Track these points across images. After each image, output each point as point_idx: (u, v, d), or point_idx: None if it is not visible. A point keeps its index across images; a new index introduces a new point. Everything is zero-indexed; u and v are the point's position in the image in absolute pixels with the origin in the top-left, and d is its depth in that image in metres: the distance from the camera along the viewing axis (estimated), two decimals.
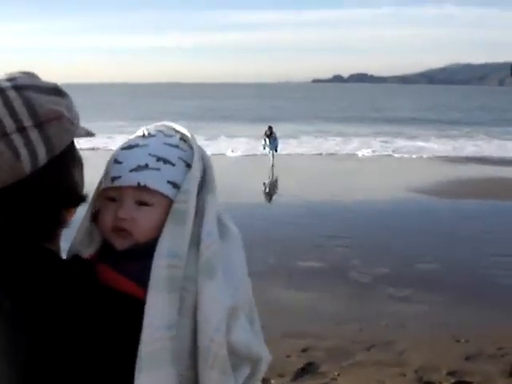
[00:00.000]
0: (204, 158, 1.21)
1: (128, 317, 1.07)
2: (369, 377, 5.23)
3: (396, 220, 11.69)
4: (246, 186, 15.62)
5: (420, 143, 27.81)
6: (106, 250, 1.18)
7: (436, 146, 27.22)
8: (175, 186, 1.15)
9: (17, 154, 1.02)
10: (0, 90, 1.04)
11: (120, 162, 1.16)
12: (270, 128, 20.28)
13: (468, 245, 9.85)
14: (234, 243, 1.20)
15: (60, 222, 1.12)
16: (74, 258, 1.17)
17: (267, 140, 20.12)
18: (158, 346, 1.06)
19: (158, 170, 1.15)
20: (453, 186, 15.47)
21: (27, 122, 1.04)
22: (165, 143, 1.19)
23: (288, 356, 5.58)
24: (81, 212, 1.21)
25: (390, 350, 5.71)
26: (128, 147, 1.19)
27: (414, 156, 23.19)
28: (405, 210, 12.75)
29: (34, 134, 1.04)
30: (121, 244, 1.15)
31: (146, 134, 1.21)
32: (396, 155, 23.37)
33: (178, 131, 1.24)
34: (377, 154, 23.68)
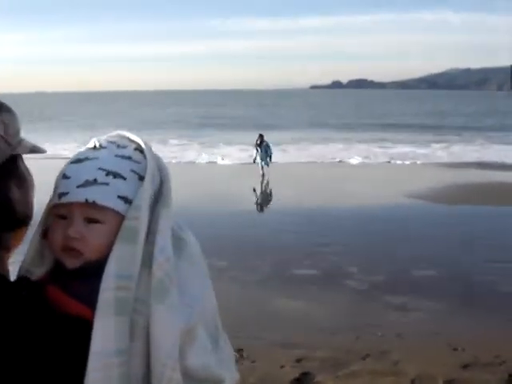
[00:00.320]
0: (161, 169, 1.15)
1: (75, 342, 1.01)
2: None
3: (392, 226, 11.60)
4: (239, 193, 15.57)
5: (418, 149, 27.73)
6: (58, 269, 1.12)
7: (434, 151, 27.18)
8: (127, 201, 1.09)
9: None
10: None
11: (68, 177, 1.10)
12: (261, 136, 19.39)
13: (465, 251, 9.77)
14: (190, 259, 1.14)
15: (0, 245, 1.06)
16: (21, 279, 1.11)
17: (258, 149, 19.14)
18: (106, 372, 1.00)
19: (108, 184, 1.08)
20: (450, 192, 15.40)
21: None
22: (116, 155, 1.12)
23: (282, 366, 5.50)
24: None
25: (385, 359, 5.63)
26: (77, 161, 1.12)
27: (411, 162, 23.13)
28: (401, 217, 12.66)
29: None
30: (71, 263, 1.09)
31: (97, 145, 1.15)
32: (393, 161, 23.31)
33: (132, 141, 1.17)
34: (374, 160, 23.62)
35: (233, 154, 24.74)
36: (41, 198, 1.24)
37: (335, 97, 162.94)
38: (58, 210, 1.11)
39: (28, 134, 1.18)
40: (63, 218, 1.10)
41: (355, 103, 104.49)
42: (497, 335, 6.18)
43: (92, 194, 1.07)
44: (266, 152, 18.89)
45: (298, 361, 5.62)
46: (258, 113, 68.34)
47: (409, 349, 5.85)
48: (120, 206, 1.08)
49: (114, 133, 1.19)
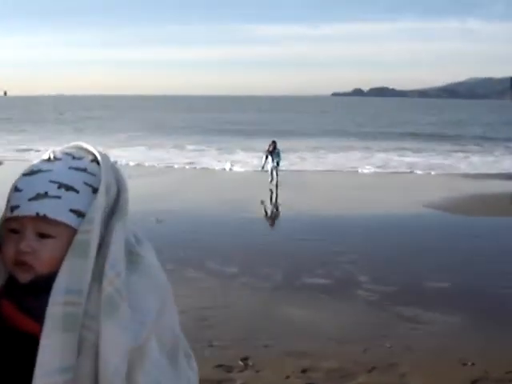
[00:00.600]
0: (119, 181, 1.12)
1: (21, 358, 0.98)
2: None
3: (407, 236, 11.48)
4: (252, 200, 15.51)
5: (437, 159, 27.48)
6: (12, 283, 1.09)
7: (453, 161, 26.93)
8: (80, 214, 1.05)
9: None
10: None
11: (20, 190, 1.07)
12: (274, 143, 18.38)
13: (480, 264, 9.60)
14: (145, 273, 1.10)
15: None
16: None
17: (269, 157, 18.09)
18: None
19: (59, 198, 1.05)
20: (468, 203, 15.20)
21: None
22: (70, 167, 1.09)
23: (287, 377, 5.43)
24: None
25: (392, 372, 5.52)
26: (29, 173, 1.09)
27: (429, 172, 22.90)
28: (417, 227, 12.51)
29: None
30: (24, 278, 1.06)
31: (52, 157, 1.11)
32: (411, 171, 23.09)
33: (90, 152, 1.13)
34: (392, 169, 23.40)
35: (249, 160, 24.66)
36: None
37: (356, 104, 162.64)
38: (10, 224, 1.08)
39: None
40: (15, 232, 1.07)
41: (375, 111, 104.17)
42: (509, 351, 6.05)
43: (43, 208, 1.04)
44: (276, 158, 18.09)
45: (304, 371, 5.54)
46: (277, 119, 68.35)
47: (417, 362, 5.74)
48: (72, 219, 1.05)
49: (72, 144, 1.16)
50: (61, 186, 1.06)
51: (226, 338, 6.33)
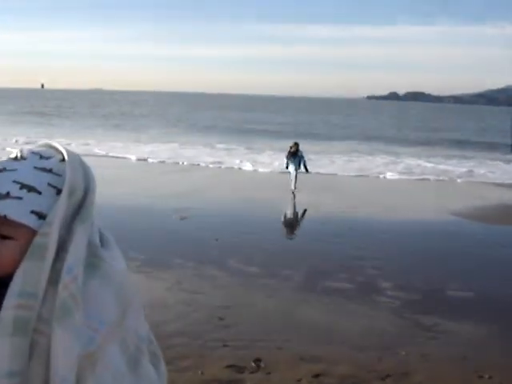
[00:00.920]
0: (88, 182, 1.09)
1: None
2: None
3: (432, 243, 11.28)
4: (277, 201, 15.46)
5: (468, 166, 27.02)
6: None
7: (485, 169, 26.47)
8: (41, 216, 1.03)
9: None
10: None
11: None
12: (296, 145, 17.23)
13: (506, 275, 9.43)
14: (106, 278, 1.07)
15: None
16: None
17: (293, 160, 17.00)
18: None
19: (21, 198, 1.02)
20: (497, 212, 14.94)
21: None
22: (35, 167, 1.06)
23: (299, 380, 5.38)
24: None
25: (405, 381, 5.43)
26: None
27: (459, 179, 22.55)
28: (442, 234, 12.28)
29: None
30: None
31: (19, 156, 1.08)
32: (441, 178, 22.72)
33: (60, 152, 1.11)
34: (421, 175, 23.02)
35: (276, 161, 24.49)
36: None
37: (390, 108, 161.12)
38: None
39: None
40: None
41: (410, 116, 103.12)
42: None
43: (4, 209, 1.02)
44: (299, 162, 17.03)
45: (316, 376, 5.49)
46: (310, 121, 68.11)
47: (432, 372, 5.65)
48: (33, 221, 1.03)
49: (43, 142, 1.14)
50: (23, 186, 1.03)
51: (240, 338, 6.31)
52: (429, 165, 26.73)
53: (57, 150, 1.11)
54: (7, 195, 1.02)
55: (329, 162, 26.01)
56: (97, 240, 1.10)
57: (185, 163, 23.39)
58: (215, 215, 12.92)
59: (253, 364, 5.65)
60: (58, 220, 1.03)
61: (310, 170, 17.60)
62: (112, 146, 28.35)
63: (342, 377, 5.49)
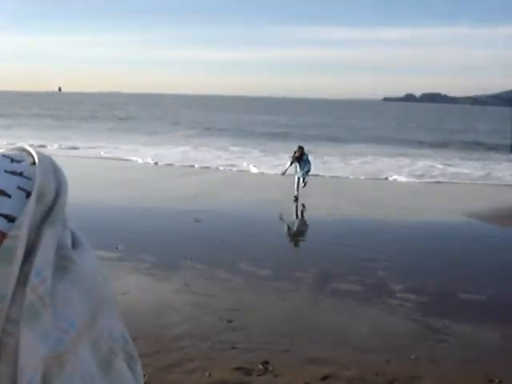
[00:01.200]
0: (60, 186, 1.09)
1: None
2: None
3: (445, 246, 11.20)
4: (288, 204, 15.42)
5: (485, 168, 26.78)
6: None
7: (501, 171, 26.21)
8: (11, 219, 1.03)
9: None
10: None
11: None
12: (301, 149, 16.21)
13: None
14: (76, 280, 1.07)
15: None
16: None
17: (297, 165, 16.00)
18: None
19: None
20: (509, 214, 14.80)
21: None
22: (6, 170, 1.06)
23: (306, 383, 5.36)
24: None
25: None
26: None
27: (474, 181, 22.34)
28: (455, 236, 12.19)
29: None
30: None
31: None
32: (455, 180, 22.51)
33: (31, 155, 1.11)
34: (432, 178, 22.80)
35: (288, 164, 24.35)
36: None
37: (407, 110, 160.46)
38: None
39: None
40: None
41: (426, 117, 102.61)
42: None
43: None
44: (305, 167, 16.08)
45: (324, 379, 5.47)
46: (326, 123, 67.97)
47: (441, 375, 5.60)
48: (2, 224, 1.02)
49: (16, 145, 1.14)
50: None
51: (249, 340, 6.31)
52: (444, 167, 26.55)
53: (29, 153, 1.12)
54: None
55: (343, 164, 25.93)
56: (68, 242, 1.10)
57: (197, 166, 23.43)
58: (226, 217, 12.94)
59: (260, 366, 5.64)
60: (26, 223, 1.03)
61: (308, 175, 16.29)
62: (125, 149, 28.51)
63: (349, 380, 5.46)
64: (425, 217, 14.12)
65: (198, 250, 9.95)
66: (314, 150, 26.58)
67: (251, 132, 46.96)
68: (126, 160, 24.68)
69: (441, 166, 26.68)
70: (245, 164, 24.50)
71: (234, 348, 6.10)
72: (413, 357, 6.01)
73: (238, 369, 5.56)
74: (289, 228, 13.09)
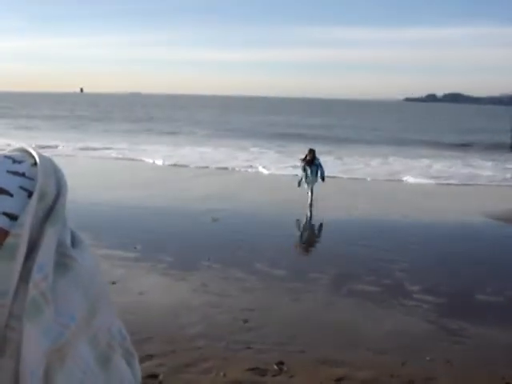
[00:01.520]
0: (60, 186, 1.13)
1: None
2: None
3: (463, 247, 11.12)
4: (305, 205, 15.40)
5: (502, 170, 26.41)
6: None
7: None
8: (13, 218, 1.07)
9: None
10: None
11: None
12: (312, 152, 14.99)
13: None
14: (75, 277, 1.11)
15: None
16: None
17: (308, 169, 14.82)
18: None
19: None
20: None
21: None
22: (8, 171, 1.10)
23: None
24: None
25: None
26: None
27: (497, 183, 22.02)
28: (474, 238, 12.09)
29: None
30: None
31: None
32: (475, 182, 22.22)
33: (32, 156, 1.15)
34: (452, 180, 22.53)
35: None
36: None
37: (428, 110, 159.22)
38: None
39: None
40: None
41: (448, 118, 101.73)
42: None
43: None
44: (317, 172, 14.91)
45: (338, 380, 5.47)
46: (346, 124, 67.73)
47: (457, 377, 5.57)
48: (5, 222, 1.06)
49: (17, 146, 1.18)
50: None
51: (264, 341, 6.33)
52: (464, 168, 26.31)
53: (30, 154, 1.16)
54: None
55: (363, 165, 25.81)
56: (68, 240, 1.15)
57: (215, 166, 23.51)
58: (243, 217, 12.98)
59: (275, 367, 5.65)
60: (28, 222, 1.07)
61: (324, 180, 15.11)
62: (143, 150, 28.69)
63: (364, 381, 5.45)
64: (443, 218, 14.01)
65: (214, 250, 10.00)
66: (334, 150, 26.54)
67: (274, 133, 46.69)
68: (143, 161, 24.84)
69: (461, 168, 26.44)
70: (264, 164, 24.50)
71: (249, 348, 6.12)
72: (428, 358, 5.98)
73: (253, 369, 5.58)
74: (305, 228, 13.08)
